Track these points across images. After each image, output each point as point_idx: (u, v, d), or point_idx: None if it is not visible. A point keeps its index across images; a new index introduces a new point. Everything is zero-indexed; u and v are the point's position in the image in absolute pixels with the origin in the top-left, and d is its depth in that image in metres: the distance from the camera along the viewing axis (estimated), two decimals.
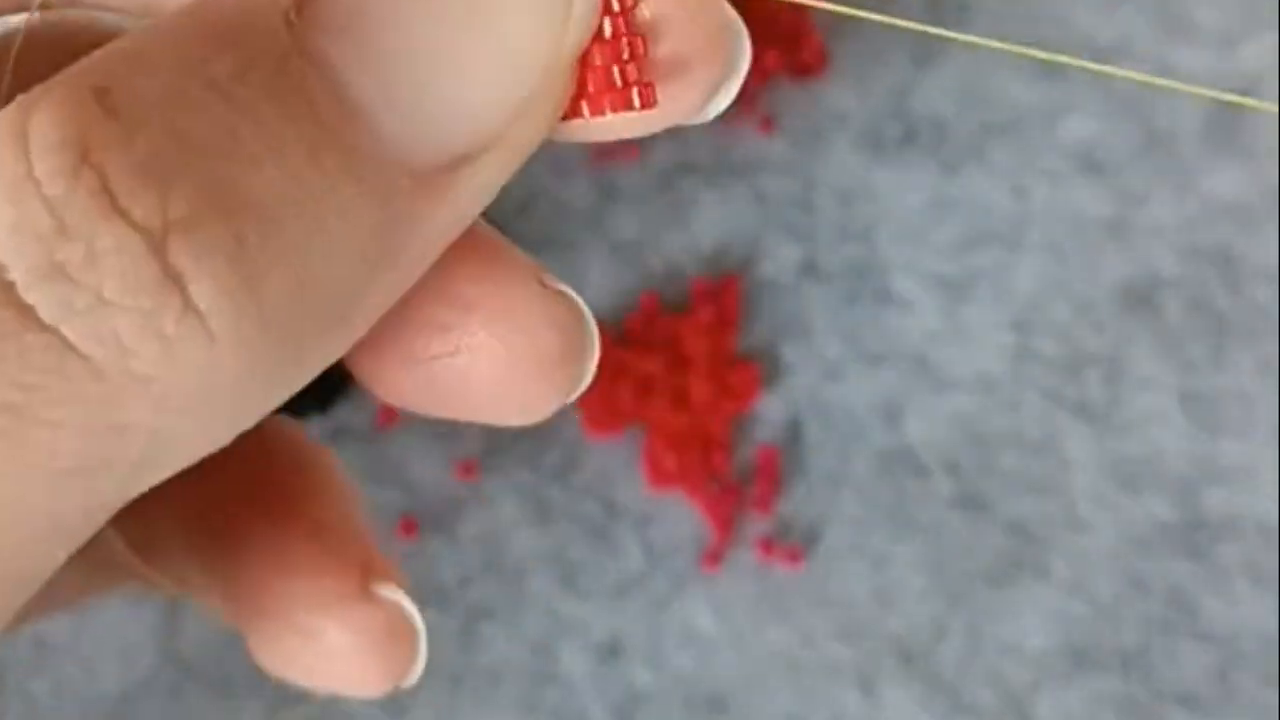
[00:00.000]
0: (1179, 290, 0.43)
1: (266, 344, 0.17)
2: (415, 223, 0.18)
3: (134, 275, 0.16)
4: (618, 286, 0.44)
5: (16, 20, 0.21)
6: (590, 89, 0.20)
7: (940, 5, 0.44)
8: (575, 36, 0.19)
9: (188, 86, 0.17)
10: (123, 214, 0.16)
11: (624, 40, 0.20)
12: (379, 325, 0.22)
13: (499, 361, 0.22)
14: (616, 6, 0.20)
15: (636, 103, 0.20)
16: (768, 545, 0.42)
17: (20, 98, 0.17)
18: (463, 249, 0.22)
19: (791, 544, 0.42)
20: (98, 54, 0.17)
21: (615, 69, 0.20)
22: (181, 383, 0.17)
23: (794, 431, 0.43)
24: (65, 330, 0.16)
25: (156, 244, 0.16)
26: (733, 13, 0.21)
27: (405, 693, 0.41)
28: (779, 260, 0.44)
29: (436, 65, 0.18)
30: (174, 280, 0.16)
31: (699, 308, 0.43)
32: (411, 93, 0.18)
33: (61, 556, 0.18)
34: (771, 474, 0.42)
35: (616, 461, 0.42)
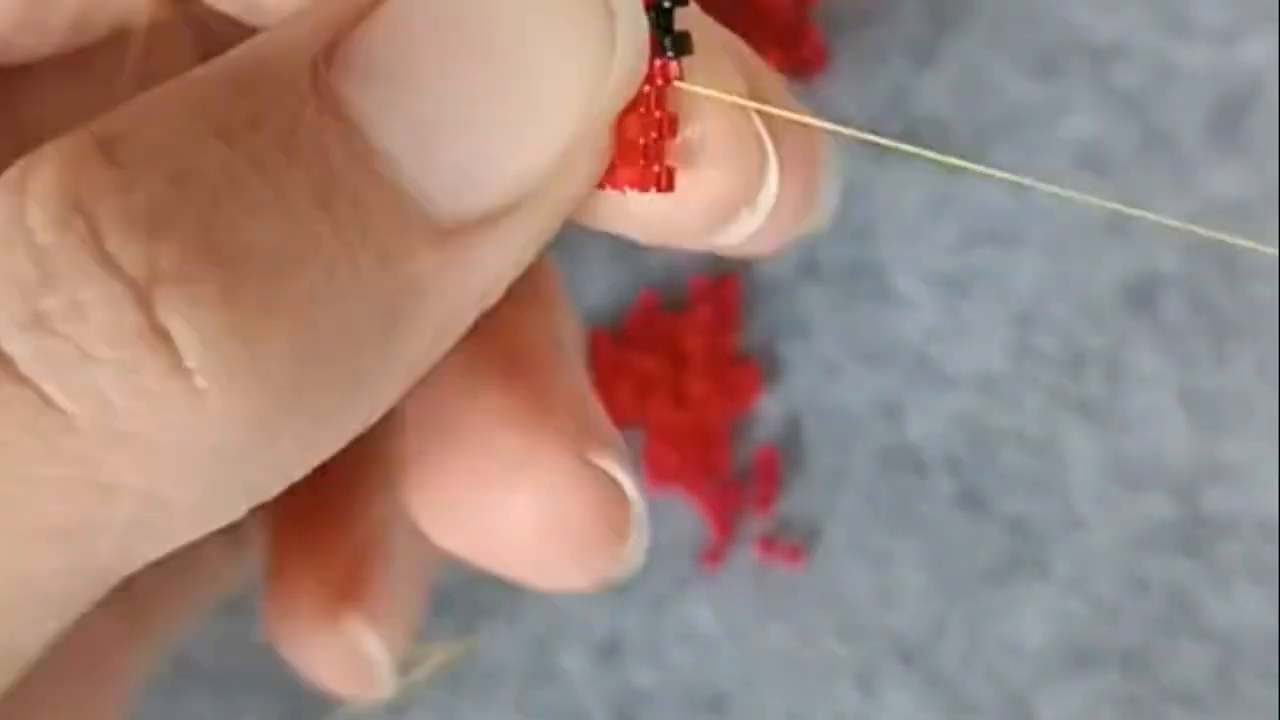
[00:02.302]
0: (1179, 288, 0.43)
1: (265, 404, 0.16)
2: (437, 282, 0.17)
3: (117, 327, 0.15)
4: (616, 284, 0.43)
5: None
6: (613, 160, 0.19)
7: (939, 5, 0.44)
8: (618, 88, 0.18)
9: (196, 132, 0.16)
10: (109, 263, 0.15)
11: (656, 115, 0.18)
12: (432, 461, 0.22)
13: (531, 530, 0.22)
14: (659, 81, 0.18)
15: (654, 185, 0.19)
16: (767, 544, 0.42)
17: (34, 151, 0.16)
18: (516, 394, 0.22)
19: (791, 543, 0.42)
20: (122, 105, 0.17)
21: (641, 144, 0.18)
22: (171, 442, 0.16)
23: (793, 430, 0.42)
24: (44, 383, 0.15)
25: (143, 295, 0.15)
26: (763, 129, 0.20)
27: (404, 693, 0.41)
28: (778, 258, 0.44)
29: (468, 114, 0.17)
30: (160, 334, 0.15)
31: (698, 306, 0.43)
32: (440, 143, 0.17)
33: (51, 628, 0.17)
34: (771, 473, 0.42)
35: None
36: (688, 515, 0.42)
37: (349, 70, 0.17)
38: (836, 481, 0.42)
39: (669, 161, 0.19)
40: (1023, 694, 0.41)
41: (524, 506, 0.22)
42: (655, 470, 0.42)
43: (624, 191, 0.19)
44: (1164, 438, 0.42)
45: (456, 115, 0.17)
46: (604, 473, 0.22)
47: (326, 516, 0.24)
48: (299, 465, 0.17)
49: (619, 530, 0.22)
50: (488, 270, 0.18)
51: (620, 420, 0.43)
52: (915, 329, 0.43)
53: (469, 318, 0.18)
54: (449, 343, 0.18)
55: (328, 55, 0.17)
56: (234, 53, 0.17)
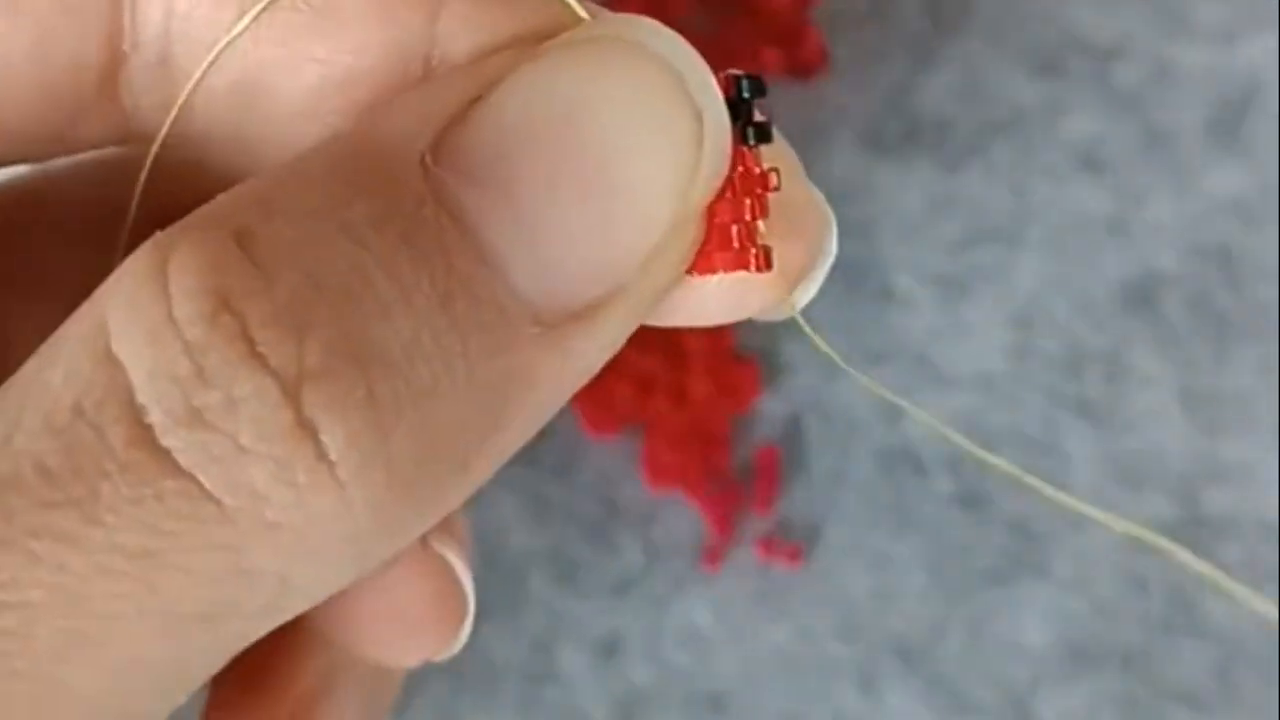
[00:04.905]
0: (1179, 288, 0.43)
1: (392, 492, 0.17)
2: (540, 372, 0.18)
3: (270, 423, 0.16)
4: None
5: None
6: (706, 246, 0.19)
7: (939, 5, 0.44)
8: (704, 186, 0.18)
9: (325, 232, 0.17)
10: (260, 361, 0.16)
11: (746, 201, 0.19)
12: None
13: (378, 606, 0.24)
14: (742, 168, 0.19)
15: (753, 266, 0.19)
16: (767, 544, 0.42)
17: (157, 236, 0.17)
18: None
19: (791, 542, 0.42)
20: (232, 194, 0.17)
21: (734, 228, 0.19)
22: (310, 530, 0.16)
23: (794, 430, 0.42)
24: (201, 476, 0.16)
25: (291, 391, 0.16)
26: (820, 196, 0.21)
27: (405, 691, 0.41)
28: None
29: (569, 215, 0.18)
30: (307, 429, 0.16)
31: None
32: (544, 242, 0.18)
33: (180, 699, 0.18)
34: (771, 473, 0.42)
35: (616, 460, 0.42)
36: (688, 515, 0.42)
37: (456, 168, 0.17)
38: (837, 481, 0.42)
39: (762, 241, 0.19)
40: (1022, 694, 0.41)
41: (368, 592, 0.23)
42: (655, 470, 0.42)
43: (716, 274, 0.19)
44: (1164, 438, 0.42)
45: (557, 215, 0.18)
46: (440, 556, 0.24)
47: (267, 670, 0.26)
48: (405, 541, 0.18)
49: (452, 613, 0.24)
50: (586, 359, 0.19)
51: (620, 420, 0.44)
52: (915, 329, 0.43)
53: (563, 402, 0.19)
54: (542, 424, 0.19)
55: (434, 151, 0.17)
56: (341, 144, 0.18)
